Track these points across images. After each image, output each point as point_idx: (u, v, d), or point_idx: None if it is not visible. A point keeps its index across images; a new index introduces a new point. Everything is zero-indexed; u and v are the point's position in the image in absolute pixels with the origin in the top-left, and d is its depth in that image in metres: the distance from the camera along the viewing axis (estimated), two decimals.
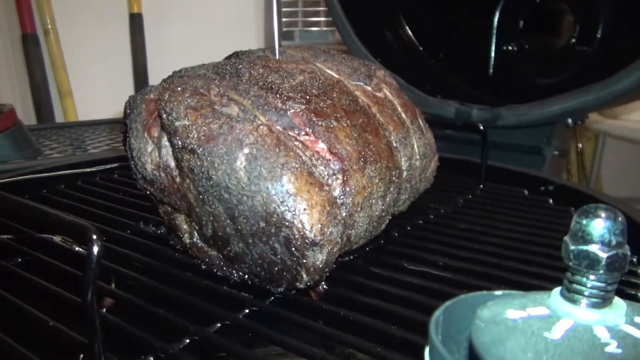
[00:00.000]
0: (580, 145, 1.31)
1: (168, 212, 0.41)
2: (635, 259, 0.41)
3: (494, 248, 0.43)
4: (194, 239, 0.39)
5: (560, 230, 0.47)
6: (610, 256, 0.15)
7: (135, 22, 1.57)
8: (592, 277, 0.16)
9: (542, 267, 0.38)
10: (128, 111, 0.41)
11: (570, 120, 0.64)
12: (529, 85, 0.81)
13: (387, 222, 0.40)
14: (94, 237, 0.24)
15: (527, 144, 0.68)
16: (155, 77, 1.60)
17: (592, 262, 0.15)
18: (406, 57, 0.86)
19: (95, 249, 0.24)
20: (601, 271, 0.15)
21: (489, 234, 0.46)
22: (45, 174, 0.57)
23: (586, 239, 0.15)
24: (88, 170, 0.61)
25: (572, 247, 0.16)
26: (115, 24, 1.56)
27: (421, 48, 0.88)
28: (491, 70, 0.84)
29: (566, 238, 0.16)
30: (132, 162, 0.39)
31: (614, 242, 0.15)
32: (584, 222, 0.15)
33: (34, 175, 0.56)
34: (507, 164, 0.64)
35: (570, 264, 0.16)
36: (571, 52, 0.77)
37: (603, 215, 0.15)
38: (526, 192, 0.59)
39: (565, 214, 0.52)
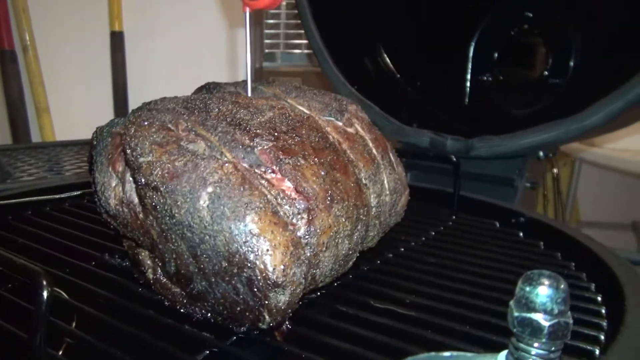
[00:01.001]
0: (556, 171, 1.33)
1: (132, 246, 0.40)
2: (599, 298, 0.42)
3: (462, 285, 0.43)
4: (157, 275, 0.38)
5: (527, 266, 0.47)
6: (552, 325, 0.15)
7: (117, 40, 1.56)
8: (535, 344, 0.16)
9: (505, 319, 0.37)
10: (95, 143, 0.40)
11: (541, 153, 0.65)
12: (504, 115, 0.82)
13: (355, 259, 0.40)
14: (44, 282, 0.24)
15: (499, 175, 0.68)
16: (134, 95, 1.60)
17: (534, 330, 0.15)
18: (383, 85, 0.87)
19: (45, 294, 0.24)
20: (544, 339, 0.15)
21: (458, 269, 0.46)
22: (12, 201, 0.56)
23: (529, 306, 0.15)
24: (57, 197, 0.60)
25: (516, 314, 0.16)
26: (96, 41, 1.56)
27: (399, 76, 0.89)
28: (467, 100, 0.85)
29: (511, 303, 0.16)
30: (96, 196, 0.38)
31: (556, 311, 0.15)
32: (528, 289, 0.15)
33: (0, 202, 0.55)
34: (480, 195, 0.64)
35: (515, 330, 0.16)
36: (544, 84, 0.78)
37: (546, 282, 0.15)
38: (497, 224, 0.60)
39: (534, 248, 0.52)
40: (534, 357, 0.16)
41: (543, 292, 0.15)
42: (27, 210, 0.59)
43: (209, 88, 0.48)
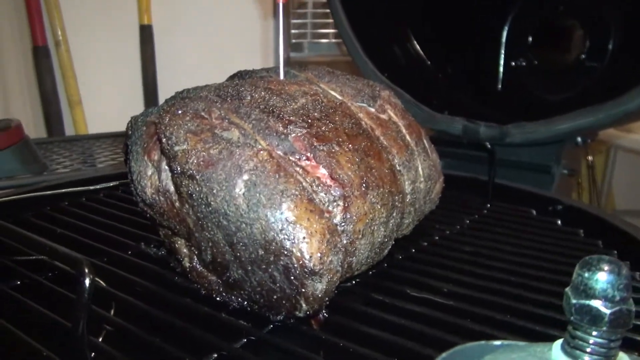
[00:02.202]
0: (591, 159, 1.30)
1: (168, 235, 0.40)
2: None
3: (500, 274, 0.42)
4: (194, 263, 0.38)
5: (567, 254, 0.46)
6: (613, 312, 0.14)
7: (146, 34, 1.58)
8: (594, 333, 0.15)
9: (547, 308, 0.36)
10: (129, 132, 0.41)
11: (579, 139, 0.63)
12: (538, 101, 0.80)
13: (390, 247, 0.40)
14: (86, 270, 0.24)
15: (535, 162, 0.67)
16: (164, 87, 1.61)
17: (594, 318, 0.15)
18: (414, 72, 0.86)
19: (87, 283, 0.24)
20: (604, 328, 0.15)
21: (495, 258, 0.45)
22: (48, 192, 0.56)
23: (588, 293, 0.15)
24: (92, 188, 0.60)
25: (574, 301, 0.15)
26: (126, 35, 1.57)
27: (429, 63, 0.88)
28: (500, 86, 0.83)
29: (568, 290, 0.15)
30: (132, 185, 0.39)
31: (617, 298, 0.14)
32: (586, 275, 0.15)
33: (38, 193, 0.56)
34: (515, 183, 0.63)
35: (572, 318, 0.15)
36: (581, 68, 0.76)
37: (606, 268, 0.14)
38: (534, 212, 0.58)
39: (574, 237, 0.51)
40: (592, 347, 0.15)
41: (603, 277, 0.15)
42: (64, 200, 0.60)
43: (241, 75, 0.47)
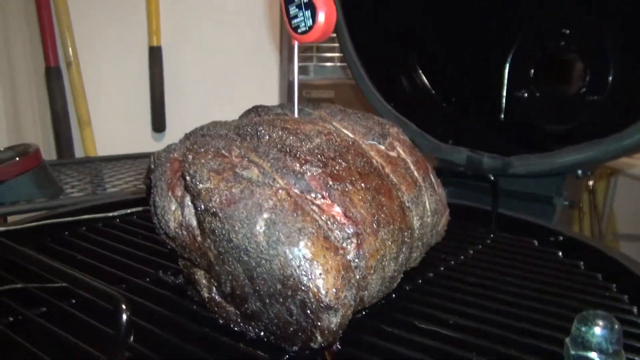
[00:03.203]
0: (591, 184, 1.32)
1: (187, 265, 0.42)
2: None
3: (504, 306, 0.44)
4: (212, 294, 0.40)
5: (569, 287, 0.48)
6: None
7: (155, 55, 1.61)
8: None
9: (551, 342, 0.38)
10: (152, 167, 0.43)
11: (580, 172, 0.65)
12: (540, 131, 0.82)
13: (399, 280, 0.42)
14: (124, 307, 0.26)
15: (537, 193, 0.69)
16: (171, 108, 1.64)
17: None
18: (419, 101, 0.88)
19: (124, 318, 0.26)
20: None
21: (498, 290, 0.47)
22: (67, 219, 0.59)
23: (585, 345, 0.17)
24: (110, 215, 0.63)
25: (573, 352, 0.17)
26: (135, 56, 1.61)
27: (434, 91, 0.90)
28: (502, 116, 0.86)
29: (567, 341, 0.17)
30: (156, 218, 0.41)
31: (610, 350, 0.16)
32: (584, 329, 0.17)
33: (57, 220, 0.58)
34: (518, 213, 0.65)
35: None
36: (582, 101, 0.78)
37: (601, 324, 0.16)
38: (536, 242, 0.60)
39: (574, 269, 0.53)
40: None
41: (598, 332, 0.17)
42: (82, 226, 0.62)
43: (256, 111, 0.50)
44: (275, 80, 1.75)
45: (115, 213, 0.63)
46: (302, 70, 1.63)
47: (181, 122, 1.66)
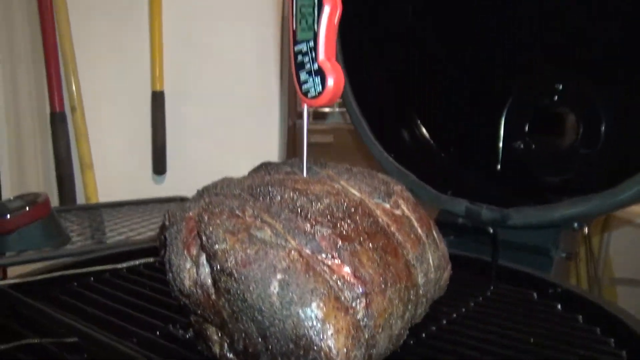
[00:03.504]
0: (586, 229, 1.33)
1: (199, 321, 0.44)
2: None
3: None
4: (224, 351, 0.41)
5: (569, 342, 0.49)
6: None
7: (157, 100, 1.65)
8: None
9: None
10: (167, 224, 0.44)
11: (576, 224, 0.67)
12: (537, 183, 0.85)
13: (405, 336, 0.43)
14: None
15: (535, 244, 0.71)
16: (173, 152, 1.66)
17: None
18: (418, 151, 0.91)
19: None
20: None
21: (499, 345, 0.48)
22: (77, 270, 0.60)
23: None
24: (118, 266, 0.64)
25: None
26: (138, 101, 1.64)
27: (432, 143, 0.93)
28: (499, 167, 0.88)
29: None
30: (170, 275, 0.42)
31: None
32: None
33: (66, 272, 0.59)
34: (517, 264, 0.67)
35: None
36: (576, 153, 0.81)
37: None
38: (535, 295, 0.62)
39: (574, 323, 0.54)
40: None
41: None
42: (90, 276, 0.63)
43: (266, 168, 0.52)
44: (276, 127, 1.79)
45: (124, 265, 0.65)
46: (302, 114, 1.66)
47: (182, 165, 1.69)
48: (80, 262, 0.65)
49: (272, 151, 1.82)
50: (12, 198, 0.76)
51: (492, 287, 0.63)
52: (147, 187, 1.69)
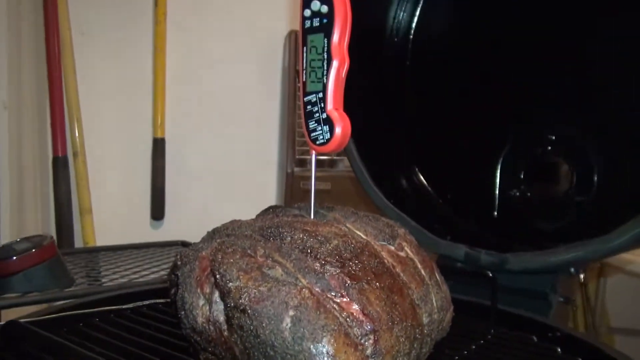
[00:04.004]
0: (582, 277, 1.35)
1: (209, 358, 0.45)
2: None
3: None
4: None
5: None
6: None
7: (158, 146, 1.68)
8: None
9: None
10: (179, 263, 0.46)
11: (572, 270, 0.69)
12: (533, 229, 0.87)
13: None
14: None
15: (534, 289, 0.72)
16: (171, 198, 1.68)
17: None
18: (417, 198, 0.93)
19: None
20: None
21: None
22: (85, 311, 0.61)
23: None
24: (124, 307, 0.65)
25: None
26: (140, 147, 1.67)
27: (431, 189, 0.96)
28: (496, 213, 0.90)
29: None
30: (182, 313, 0.44)
31: None
32: None
33: (73, 312, 0.60)
34: (516, 308, 0.68)
35: None
36: (570, 201, 0.83)
37: None
38: (535, 338, 0.63)
39: None
40: None
41: None
42: (95, 317, 0.64)
43: (274, 211, 0.54)
44: (274, 175, 1.82)
45: (131, 305, 0.66)
46: (301, 162, 1.69)
47: (179, 211, 1.71)
48: (86, 302, 0.65)
49: (270, 198, 1.84)
50: (18, 240, 0.77)
51: (492, 331, 0.64)
52: (144, 232, 1.70)
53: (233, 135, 1.75)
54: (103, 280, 0.85)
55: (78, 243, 1.56)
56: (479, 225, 0.90)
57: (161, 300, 0.69)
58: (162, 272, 0.90)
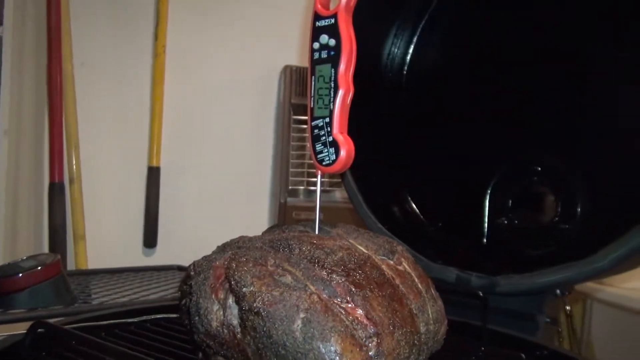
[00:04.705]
0: (569, 308, 1.38)
1: None
2: None
3: None
4: None
5: None
6: None
7: (153, 175, 1.70)
8: None
9: None
10: (192, 274, 0.49)
11: (558, 291, 0.72)
12: (520, 255, 0.91)
13: None
14: None
15: (522, 310, 0.76)
16: (164, 226, 1.70)
17: None
18: (409, 225, 0.97)
19: None
20: None
21: None
22: (102, 322, 0.63)
23: None
24: (129, 320, 0.67)
25: None
26: (134, 175, 1.70)
27: (422, 217, 1.00)
28: (485, 240, 0.94)
29: None
30: (197, 318, 0.46)
31: None
32: None
33: (95, 323, 0.62)
34: (505, 328, 0.71)
35: None
36: (556, 228, 0.88)
37: None
38: (523, 355, 0.66)
39: None
40: None
41: None
42: (102, 330, 0.66)
43: (280, 228, 0.57)
44: (266, 205, 1.84)
45: (136, 319, 0.68)
46: (293, 193, 1.72)
47: (172, 239, 1.73)
48: (91, 317, 0.68)
49: (263, 228, 1.87)
50: (24, 257, 0.79)
51: (483, 349, 0.67)
52: (137, 260, 1.71)
53: (227, 166, 1.79)
54: (103, 299, 0.87)
55: (70, 269, 1.56)
56: (469, 251, 0.94)
57: (164, 316, 0.71)
58: (161, 293, 0.92)
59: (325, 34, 0.52)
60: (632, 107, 0.83)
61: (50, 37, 1.49)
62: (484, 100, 0.97)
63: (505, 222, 0.93)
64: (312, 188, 1.72)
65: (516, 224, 0.92)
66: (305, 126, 1.67)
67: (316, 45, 0.53)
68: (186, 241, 1.73)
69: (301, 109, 1.66)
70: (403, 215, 0.99)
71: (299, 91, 1.69)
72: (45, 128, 1.54)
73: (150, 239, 1.71)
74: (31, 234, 1.58)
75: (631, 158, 0.82)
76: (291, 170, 1.73)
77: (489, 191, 0.95)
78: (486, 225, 0.95)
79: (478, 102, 0.98)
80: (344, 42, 0.51)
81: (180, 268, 1.17)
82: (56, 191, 1.53)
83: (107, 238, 1.68)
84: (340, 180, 1.43)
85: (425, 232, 0.97)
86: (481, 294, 0.67)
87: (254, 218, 1.83)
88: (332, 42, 0.52)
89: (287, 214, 1.71)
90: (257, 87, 1.83)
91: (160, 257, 1.72)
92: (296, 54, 1.81)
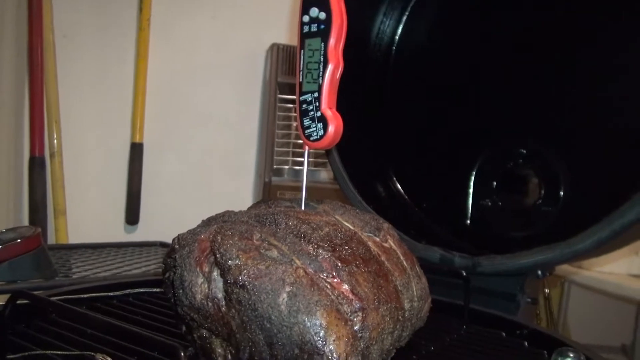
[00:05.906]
0: (547, 291, 1.41)
1: (203, 336, 0.47)
2: None
3: None
4: None
5: None
6: None
7: (136, 151, 1.68)
8: None
9: None
10: (177, 247, 0.48)
11: (540, 272, 0.73)
12: (503, 236, 0.92)
13: (393, 355, 0.47)
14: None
15: (503, 290, 0.76)
16: (146, 203, 1.68)
17: None
18: (394, 205, 0.97)
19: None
20: None
21: None
22: (83, 295, 0.63)
23: None
24: (112, 294, 0.67)
25: None
26: (117, 151, 1.68)
27: (407, 197, 1.00)
28: (468, 222, 0.95)
29: None
30: (181, 291, 0.46)
31: None
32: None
33: (67, 297, 0.62)
34: (487, 308, 0.72)
35: None
36: (538, 211, 0.89)
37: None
38: (504, 334, 0.67)
39: (539, 357, 0.59)
40: None
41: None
42: (82, 304, 0.65)
43: (267, 203, 0.57)
44: (251, 183, 1.84)
45: (118, 292, 0.67)
46: (278, 172, 1.71)
47: (154, 216, 1.71)
48: (72, 290, 0.67)
49: (246, 206, 1.87)
50: (4, 230, 0.78)
51: (465, 327, 0.68)
52: (118, 236, 1.70)
53: (211, 144, 1.77)
54: (85, 274, 0.86)
55: (51, 243, 1.54)
56: (453, 232, 0.94)
57: (147, 290, 0.71)
58: (144, 269, 0.91)
59: (316, 6, 0.51)
60: (615, 95, 0.84)
61: (31, 6, 1.45)
62: (470, 82, 0.97)
63: (489, 203, 0.94)
64: (298, 167, 1.71)
65: (500, 206, 0.93)
66: (291, 105, 1.66)
67: (306, 18, 0.52)
68: (168, 219, 1.72)
69: (287, 87, 1.65)
70: (388, 196, 0.99)
71: (286, 70, 1.67)
72: (25, 101, 1.51)
73: (132, 216, 1.69)
74: (11, 208, 1.56)
75: (613, 144, 0.83)
76: (276, 149, 1.71)
77: (473, 173, 0.95)
78: (470, 206, 0.95)
79: (465, 85, 0.97)
80: (335, 15, 0.50)
81: (163, 244, 1.17)
82: (37, 166, 1.51)
83: (88, 214, 1.66)
84: (325, 160, 1.43)
85: (410, 213, 0.98)
86: (464, 274, 0.68)
87: (238, 197, 1.82)
88: (323, 15, 0.51)
89: (271, 193, 1.70)
90: (244, 64, 1.81)
91: (142, 234, 1.71)
92: (284, 32, 1.79)
